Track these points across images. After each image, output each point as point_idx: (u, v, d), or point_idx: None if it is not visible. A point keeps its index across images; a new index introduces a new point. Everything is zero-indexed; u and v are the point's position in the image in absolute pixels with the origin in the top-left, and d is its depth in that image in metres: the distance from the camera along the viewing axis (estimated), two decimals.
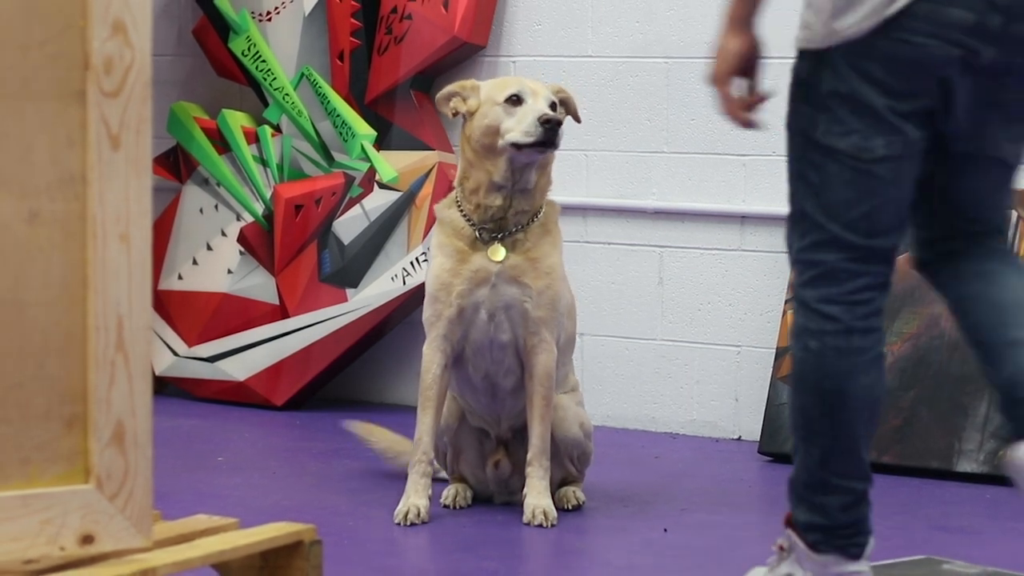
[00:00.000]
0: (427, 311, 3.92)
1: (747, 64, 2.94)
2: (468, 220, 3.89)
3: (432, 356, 3.89)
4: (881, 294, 2.94)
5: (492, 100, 3.88)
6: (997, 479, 4.37)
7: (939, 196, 3.00)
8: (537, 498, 3.85)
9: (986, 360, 2.98)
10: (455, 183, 3.97)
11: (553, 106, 3.89)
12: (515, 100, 3.86)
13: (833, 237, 2.88)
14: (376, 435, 4.35)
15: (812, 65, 2.87)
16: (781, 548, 3.09)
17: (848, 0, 2.80)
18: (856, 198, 2.87)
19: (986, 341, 2.97)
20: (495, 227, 3.88)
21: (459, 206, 3.91)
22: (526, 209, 3.89)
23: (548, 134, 3.80)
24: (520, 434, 4.01)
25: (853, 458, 2.94)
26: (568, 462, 4.04)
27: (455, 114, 3.95)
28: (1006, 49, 2.84)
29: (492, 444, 4.06)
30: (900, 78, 2.83)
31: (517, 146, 3.81)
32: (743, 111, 2.96)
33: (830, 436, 2.93)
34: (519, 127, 3.81)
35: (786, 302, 4.73)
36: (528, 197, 3.89)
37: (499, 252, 3.86)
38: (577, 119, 4.05)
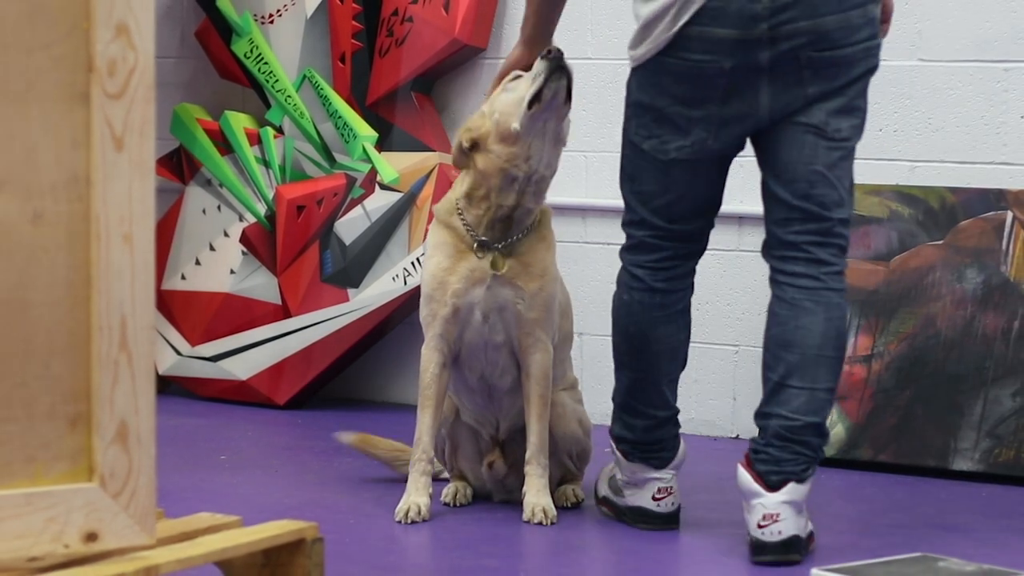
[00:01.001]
0: (423, 310, 3.91)
1: (522, 67, 3.75)
2: (469, 230, 3.87)
3: (430, 355, 3.89)
4: (683, 262, 3.64)
5: (495, 97, 3.83)
6: (993, 477, 4.40)
7: (771, 175, 3.51)
8: (536, 496, 3.86)
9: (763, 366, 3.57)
10: (460, 195, 3.88)
11: None
12: (514, 78, 3.82)
13: (642, 218, 3.61)
14: (373, 444, 4.29)
15: (630, 79, 3.56)
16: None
17: (639, 36, 3.46)
18: (658, 190, 3.57)
19: (765, 362, 3.55)
20: (498, 232, 3.85)
21: (460, 214, 3.87)
22: (532, 208, 3.84)
23: (555, 62, 3.68)
24: (519, 434, 4.01)
25: (655, 391, 3.70)
26: (567, 459, 4.05)
27: (473, 145, 3.82)
28: (785, 47, 3.36)
29: (487, 444, 4.07)
30: (687, 89, 3.43)
31: (532, 101, 3.71)
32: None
33: (636, 371, 3.69)
34: (525, 85, 3.73)
35: None
36: (540, 189, 3.82)
37: (498, 263, 3.84)
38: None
